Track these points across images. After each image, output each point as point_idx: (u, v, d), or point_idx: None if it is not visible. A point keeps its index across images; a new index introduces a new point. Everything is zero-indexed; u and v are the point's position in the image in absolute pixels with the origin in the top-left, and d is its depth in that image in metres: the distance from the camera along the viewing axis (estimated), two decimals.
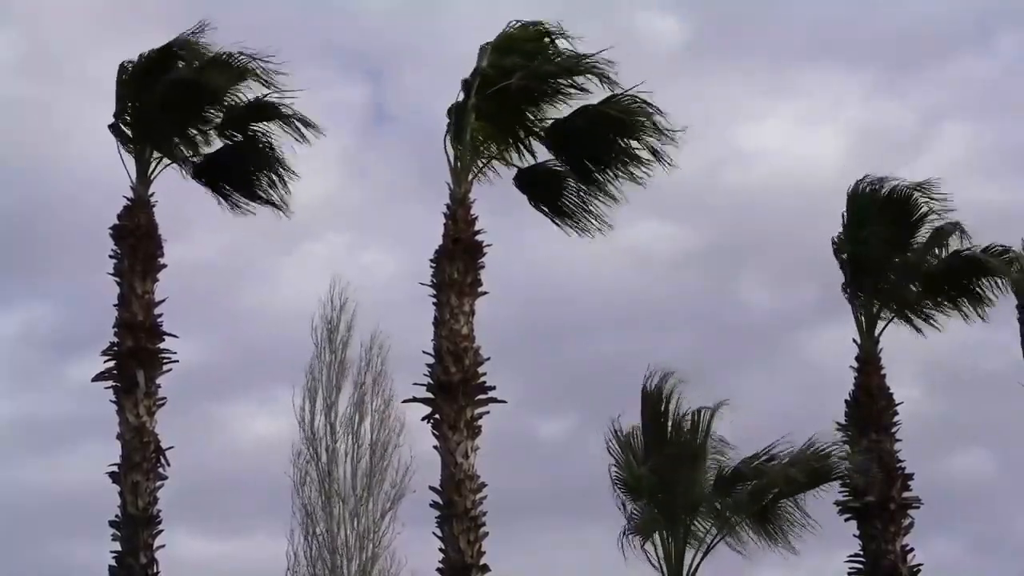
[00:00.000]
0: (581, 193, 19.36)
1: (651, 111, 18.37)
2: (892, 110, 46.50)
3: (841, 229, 20.64)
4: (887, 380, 20.11)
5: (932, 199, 20.47)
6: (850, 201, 20.61)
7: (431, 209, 18.54)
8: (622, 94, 18.39)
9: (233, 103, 19.28)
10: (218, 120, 19.39)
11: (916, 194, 20.50)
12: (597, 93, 18.55)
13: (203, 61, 18.83)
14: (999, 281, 20.48)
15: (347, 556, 30.58)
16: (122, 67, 18.98)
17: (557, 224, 19.58)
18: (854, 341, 20.24)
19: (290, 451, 31.39)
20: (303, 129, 19.07)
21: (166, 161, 19.28)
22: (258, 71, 18.73)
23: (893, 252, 20.42)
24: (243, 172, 19.83)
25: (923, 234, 20.62)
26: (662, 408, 18.52)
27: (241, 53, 18.67)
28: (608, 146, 18.86)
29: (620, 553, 17.91)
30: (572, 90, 18.67)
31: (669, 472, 18.03)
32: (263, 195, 19.87)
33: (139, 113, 19.03)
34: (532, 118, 18.98)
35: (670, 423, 18.47)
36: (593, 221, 19.45)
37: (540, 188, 19.51)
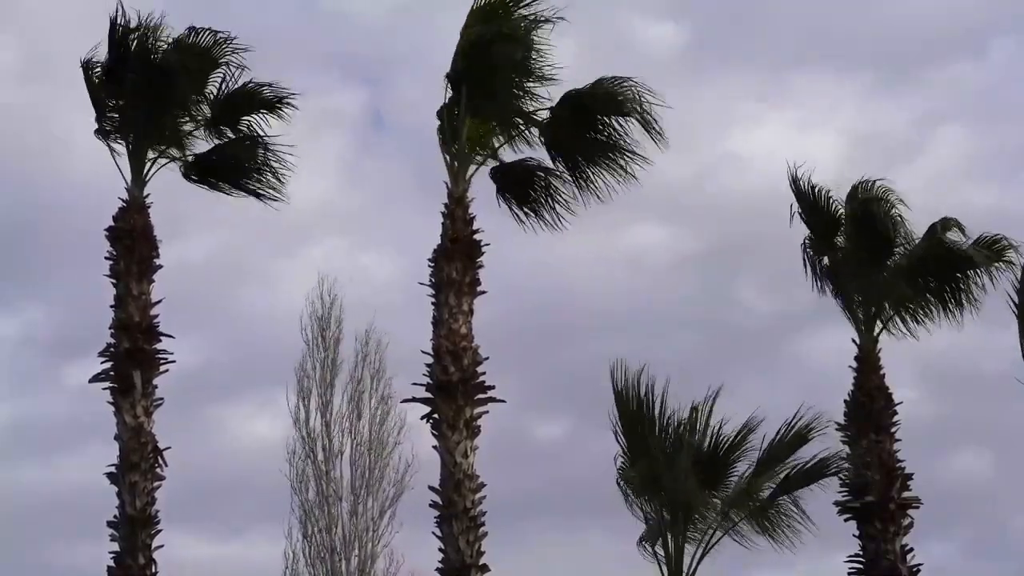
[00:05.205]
0: (572, 189, 19.19)
1: (636, 91, 18.12)
2: (888, 114, 46.54)
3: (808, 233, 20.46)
4: (886, 380, 20.06)
5: (897, 202, 20.24)
6: (805, 201, 20.40)
7: (429, 212, 18.58)
8: (608, 78, 18.21)
9: (215, 95, 19.21)
10: (204, 116, 19.32)
11: (883, 198, 20.21)
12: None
13: (167, 43, 18.70)
14: (991, 274, 20.11)
15: (345, 555, 30.52)
16: (85, 67, 18.73)
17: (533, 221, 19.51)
18: (853, 341, 20.18)
19: (285, 450, 31.42)
20: (281, 106, 19.14)
21: (161, 161, 19.17)
22: (224, 47, 18.76)
23: (871, 255, 20.24)
24: (234, 166, 19.73)
25: (902, 236, 20.40)
26: (645, 411, 18.35)
27: (205, 29, 18.68)
28: (596, 131, 18.63)
29: (628, 556, 18.00)
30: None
31: (659, 472, 17.96)
32: (255, 187, 19.79)
33: (119, 109, 18.91)
34: (522, 108, 18.79)
35: (657, 425, 18.35)
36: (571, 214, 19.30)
37: (512, 184, 19.31)
